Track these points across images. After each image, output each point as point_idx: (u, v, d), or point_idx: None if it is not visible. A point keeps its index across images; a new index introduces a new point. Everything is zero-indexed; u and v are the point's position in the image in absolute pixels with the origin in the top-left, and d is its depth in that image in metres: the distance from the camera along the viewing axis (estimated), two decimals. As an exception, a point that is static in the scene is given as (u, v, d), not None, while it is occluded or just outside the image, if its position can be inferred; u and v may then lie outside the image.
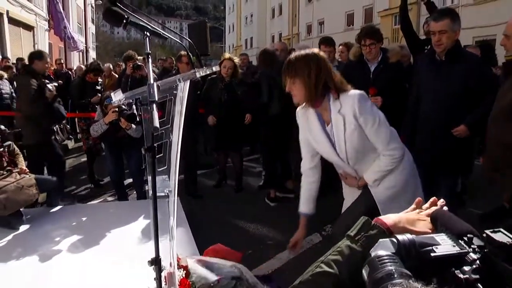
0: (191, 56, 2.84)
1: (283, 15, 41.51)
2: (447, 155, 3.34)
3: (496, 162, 2.79)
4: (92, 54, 38.44)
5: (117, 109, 4.25)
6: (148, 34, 2.09)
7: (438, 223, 1.08)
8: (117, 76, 8.20)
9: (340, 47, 6.10)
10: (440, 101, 3.28)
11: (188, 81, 1.98)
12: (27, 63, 5.31)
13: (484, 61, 4.26)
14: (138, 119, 4.01)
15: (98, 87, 6.68)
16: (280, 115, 4.98)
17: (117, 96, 1.85)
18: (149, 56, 1.97)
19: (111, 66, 9.93)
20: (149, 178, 1.68)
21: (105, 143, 5.15)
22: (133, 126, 4.52)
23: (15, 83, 6.99)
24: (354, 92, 2.32)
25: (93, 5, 40.44)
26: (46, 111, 4.89)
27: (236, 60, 5.77)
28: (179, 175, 5.87)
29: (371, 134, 2.32)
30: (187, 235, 3.71)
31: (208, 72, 2.07)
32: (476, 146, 4.02)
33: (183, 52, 5.56)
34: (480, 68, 3.30)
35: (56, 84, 5.82)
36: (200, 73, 1.99)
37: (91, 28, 39.78)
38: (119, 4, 2.15)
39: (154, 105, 1.50)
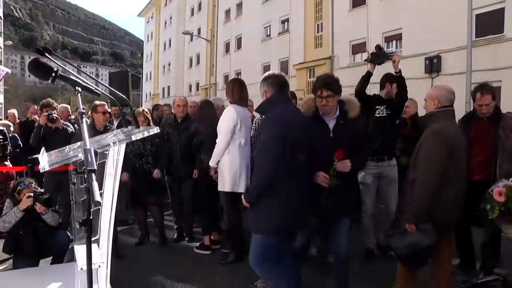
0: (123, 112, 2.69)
1: (201, 65, 42.05)
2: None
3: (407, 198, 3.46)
4: (-1, 98, 35.94)
5: (32, 193, 4.02)
6: (80, 89, 1.94)
7: None
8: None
9: None
10: None
11: (124, 144, 1.86)
12: None
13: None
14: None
15: (0, 136, 6.15)
16: None
17: (44, 161, 1.67)
18: (83, 115, 1.79)
19: (15, 113, 9.30)
20: (80, 253, 1.50)
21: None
22: (49, 211, 4.16)
23: None
24: None
25: (1, 45, 38.12)
26: None
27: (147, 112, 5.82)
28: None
29: None
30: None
31: (145, 135, 1.96)
32: None
33: (98, 102, 5.37)
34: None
35: None
36: (136, 136, 1.87)
37: (-1, 70, 37.23)
38: (47, 55, 1.98)
39: (93, 175, 1.35)
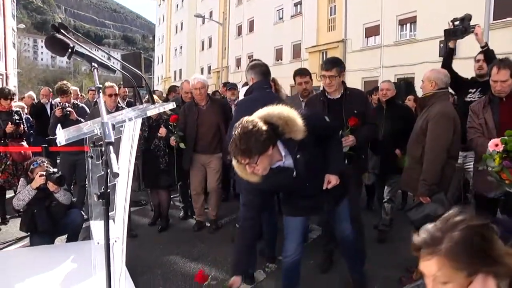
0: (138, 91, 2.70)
1: (213, 48, 41.93)
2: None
3: (412, 173, 3.82)
4: (13, 81, 36.22)
5: (44, 172, 4.15)
6: (95, 65, 1.94)
7: None
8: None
9: None
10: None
11: (140, 119, 1.86)
12: None
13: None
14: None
15: (16, 117, 6.20)
16: None
17: (61, 136, 1.68)
18: (100, 90, 1.79)
19: (33, 95, 9.41)
20: (96, 228, 1.52)
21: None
22: (61, 189, 4.27)
23: None
24: None
25: (14, 28, 38.16)
26: None
27: (155, 97, 5.75)
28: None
29: None
30: (129, 284, 3.45)
31: (160, 111, 1.96)
32: None
33: (107, 84, 5.39)
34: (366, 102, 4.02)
35: None
36: (151, 111, 1.87)
37: (12, 53, 37.43)
38: (63, 32, 1.98)
39: (111, 147, 1.35)
